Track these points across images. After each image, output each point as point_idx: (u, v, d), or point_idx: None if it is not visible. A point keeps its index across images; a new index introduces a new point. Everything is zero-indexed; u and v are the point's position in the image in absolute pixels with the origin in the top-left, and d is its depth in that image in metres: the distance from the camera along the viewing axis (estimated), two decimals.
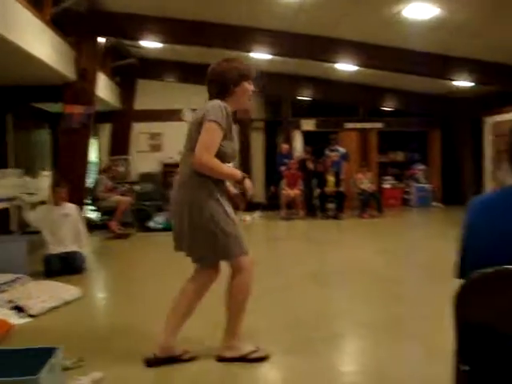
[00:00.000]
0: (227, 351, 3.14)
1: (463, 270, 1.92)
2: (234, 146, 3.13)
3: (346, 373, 3.09)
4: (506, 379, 1.64)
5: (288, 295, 4.77)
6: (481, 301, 1.59)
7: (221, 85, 3.10)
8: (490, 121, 11.86)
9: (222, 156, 2.97)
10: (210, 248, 3.01)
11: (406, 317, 4.04)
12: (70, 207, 5.98)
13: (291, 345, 3.45)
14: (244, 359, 3.12)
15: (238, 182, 3.11)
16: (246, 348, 3.16)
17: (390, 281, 5.20)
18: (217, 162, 2.92)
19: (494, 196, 1.86)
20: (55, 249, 5.70)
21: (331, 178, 10.95)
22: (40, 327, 3.92)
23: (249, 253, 3.11)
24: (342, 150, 11.51)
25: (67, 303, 4.49)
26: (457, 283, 1.76)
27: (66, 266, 5.65)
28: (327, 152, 11.43)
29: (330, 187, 10.92)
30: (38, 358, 2.44)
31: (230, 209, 3.04)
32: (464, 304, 1.61)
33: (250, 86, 3.16)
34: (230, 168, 3.13)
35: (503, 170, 8.10)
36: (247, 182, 3.13)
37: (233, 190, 3.18)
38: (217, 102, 3.00)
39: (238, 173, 3.11)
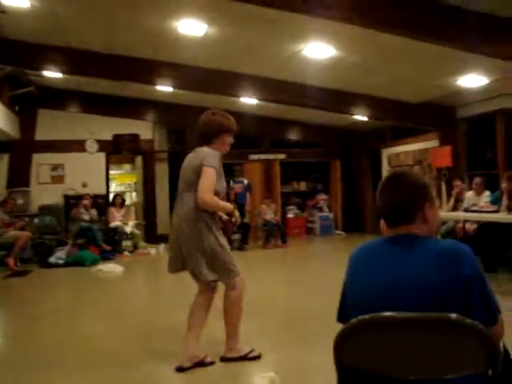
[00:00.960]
0: (229, 352, 3.81)
1: (342, 314, 2.06)
2: (223, 183, 3.79)
3: None
4: None
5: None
6: (355, 346, 1.71)
7: (205, 135, 3.76)
8: (387, 152, 12.57)
9: (216, 193, 3.61)
10: (212, 270, 3.66)
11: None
12: None
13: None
14: (243, 358, 3.80)
15: (229, 213, 3.81)
16: (244, 349, 3.84)
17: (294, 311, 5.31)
18: (215, 199, 3.59)
19: (368, 246, 2.01)
20: None
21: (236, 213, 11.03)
22: None
23: (240, 274, 3.76)
24: (245, 181, 11.74)
25: None
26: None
27: None
28: (232, 184, 11.60)
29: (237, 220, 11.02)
30: None
31: (222, 238, 3.70)
32: (342, 349, 1.72)
33: (228, 138, 3.83)
34: (224, 202, 3.77)
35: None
36: (236, 212, 3.85)
37: (224, 217, 3.80)
38: (210, 150, 3.65)
39: (230, 206, 3.83)
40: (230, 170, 12.00)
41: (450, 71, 7.91)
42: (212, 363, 3.77)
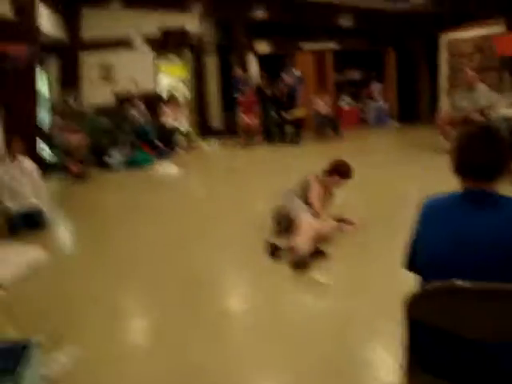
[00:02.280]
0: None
1: (409, 262, 2.06)
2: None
3: None
4: (449, 368, 1.82)
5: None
6: (427, 307, 1.73)
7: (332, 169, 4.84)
8: (445, 39, 11.83)
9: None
10: None
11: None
12: (26, 161, 5.87)
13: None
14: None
15: None
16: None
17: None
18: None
19: (441, 201, 1.95)
20: (15, 205, 5.64)
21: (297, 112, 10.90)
22: (11, 298, 3.93)
23: None
24: (297, 73, 11.42)
25: (35, 267, 4.50)
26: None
27: (28, 222, 5.63)
28: (283, 76, 11.34)
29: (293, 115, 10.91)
30: (13, 351, 2.51)
31: None
32: (413, 308, 1.74)
33: (339, 181, 4.85)
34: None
35: (459, 97, 8.20)
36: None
37: None
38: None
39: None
40: (281, 62, 11.73)
41: None
42: None
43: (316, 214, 4.63)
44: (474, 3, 9.72)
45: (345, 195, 5.28)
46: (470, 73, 7.99)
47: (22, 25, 8.03)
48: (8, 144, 5.82)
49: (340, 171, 4.81)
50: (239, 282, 4.08)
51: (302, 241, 4.24)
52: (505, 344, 1.69)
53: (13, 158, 5.78)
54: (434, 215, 1.91)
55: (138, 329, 3.40)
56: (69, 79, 11.47)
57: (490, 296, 1.60)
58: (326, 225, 4.68)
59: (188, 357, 2.93)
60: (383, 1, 11.16)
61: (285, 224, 4.70)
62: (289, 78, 11.17)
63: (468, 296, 1.62)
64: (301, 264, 4.06)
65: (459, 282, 1.60)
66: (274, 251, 4.38)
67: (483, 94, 7.83)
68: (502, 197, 1.82)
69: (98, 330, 3.34)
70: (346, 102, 13.10)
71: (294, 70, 11.50)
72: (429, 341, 1.84)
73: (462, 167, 1.87)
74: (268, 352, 2.93)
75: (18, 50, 7.99)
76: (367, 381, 2.61)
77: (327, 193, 4.91)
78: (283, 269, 4.11)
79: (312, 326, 3.21)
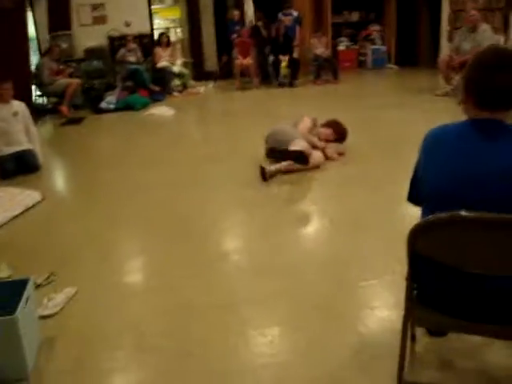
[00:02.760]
0: None
1: (414, 195, 2.02)
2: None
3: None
4: (451, 305, 1.81)
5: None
6: (431, 240, 1.70)
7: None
8: None
9: None
10: None
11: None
12: (18, 104, 5.73)
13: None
14: None
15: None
16: None
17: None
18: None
19: (447, 131, 1.89)
20: (7, 149, 5.55)
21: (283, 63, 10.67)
22: (4, 239, 3.93)
23: None
24: (295, 13, 11.12)
25: (29, 209, 4.49)
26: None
27: (20, 166, 5.56)
28: (280, 16, 11.04)
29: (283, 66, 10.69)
30: (8, 290, 2.50)
31: None
32: (417, 241, 1.72)
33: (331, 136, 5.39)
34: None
35: (459, 36, 7.99)
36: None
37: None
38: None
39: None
40: (278, 2, 11.39)
41: None
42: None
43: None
44: None
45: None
46: (473, 12, 7.76)
47: None
48: None
49: (336, 129, 5.28)
50: (233, 220, 4.06)
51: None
52: (507, 278, 1.68)
53: (4, 101, 5.64)
54: (439, 145, 1.84)
55: (130, 268, 3.39)
56: (59, 21, 11.12)
57: (495, 226, 1.56)
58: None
59: (180, 295, 2.94)
60: None
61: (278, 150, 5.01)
62: (286, 18, 10.87)
63: (473, 227, 1.58)
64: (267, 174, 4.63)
65: (464, 212, 1.56)
66: (265, 174, 4.67)
67: (486, 35, 7.60)
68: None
69: (91, 269, 3.34)
70: (343, 44, 12.80)
71: (291, 9, 11.19)
72: (431, 275, 1.81)
73: (479, 98, 1.77)
74: (263, 289, 2.94)
75: None
76: (366, 320, 2.62)
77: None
78: (278, 202, 4.13)
79: (309, 264, 3.21)
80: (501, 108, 1.77)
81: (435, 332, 2.39)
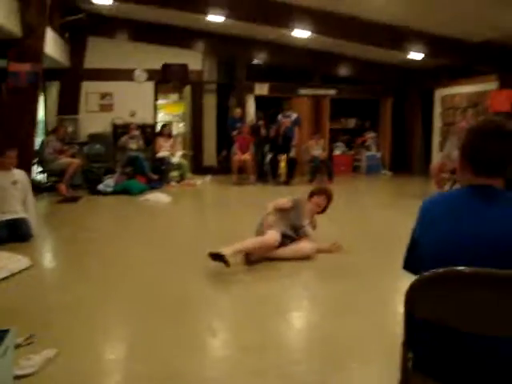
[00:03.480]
0: None
1: (410, 263, 2.02)
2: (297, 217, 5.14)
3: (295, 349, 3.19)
4: (448, 368, 1.75)
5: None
6: (428, 298, 1.67)
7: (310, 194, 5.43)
8: (440, 93, 12.10)
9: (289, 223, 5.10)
10: None
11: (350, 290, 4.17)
12: (19, 173, 5.81)
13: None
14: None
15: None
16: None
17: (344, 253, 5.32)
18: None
19: (443, 197, 1.94)
20: (2, 216, 5.54)
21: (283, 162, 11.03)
22: None
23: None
24: (294, 115, 11.59)
25: (15, 274, 4.40)
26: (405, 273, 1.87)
27: (12, 233, 5.53)
28: (280, 117, 11.49)
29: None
30: None
31: None
32: (413, 300, 1.68)
33: (318, 200, 5.32)
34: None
35: (449, 145, 8.33)
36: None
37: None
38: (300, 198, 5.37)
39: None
40: (277, 104, 11.91)
41: None
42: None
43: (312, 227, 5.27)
44: (469, 59, 9.98)
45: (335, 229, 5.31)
46: (463, 124, 8.11)
47: (29, 44, 8.11)
48: (1, 154, 5.75)
49: (320, 191, 5.37)
50: (220, 300, 3.99)
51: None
52: (506, 340, 1.63)
53: (6, 168, 5.72)
54: (434, 211, 1.88)
55: (114, 337, 3.28)
56: (68, 106, 11.57)
57: (491, 282, 1.55)
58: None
59: (167, 365, 2.83)
60: (383, 55, 11.44)
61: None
62: (286, 120, 11.30)
63: (469, 282, 1.58)
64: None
65: (460, 268, 1.56)
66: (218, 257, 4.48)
67: None
68: (509, 192, 1.80)
69: (74, 335, 3.23)
70: (339, 149, 13.22)
71: (290, 111, 11.67)
72: (428, 339, 1.77)
73: (476, 164, 1.83)
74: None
75: (21, 68, 8.04)
76: None
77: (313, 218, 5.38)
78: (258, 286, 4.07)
79: (298, 342, 3.12)
80: (496, 174, 1.82)
81: None
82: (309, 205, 5.29)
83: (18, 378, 2.64)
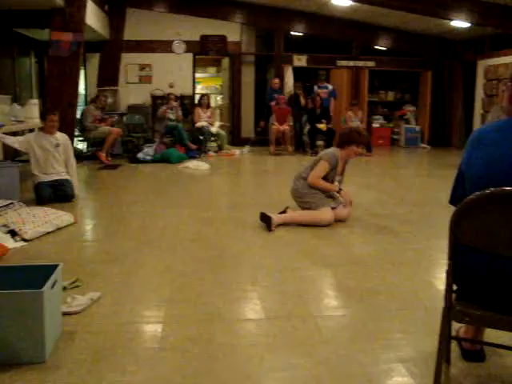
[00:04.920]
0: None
1: (455, 196, 2.00)
2: (334, 175, 4.94)
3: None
4: (493, 299, 1.74)
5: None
6: (474, 222, 1.66)
7: (340, 140, 4.96)
8: (484, 64, 11.77)
9: (327, 179, 4.89)
10: None
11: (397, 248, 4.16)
12: (62, 136, 5.94)
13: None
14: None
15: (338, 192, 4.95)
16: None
17: (383, 216, 5.29)
18: (319, 181, 4.84)
19: (488, 127, 1.93)
20: (45, 177, 5.69)
21: (322, 125, 10.94)
22: (35, 251, 3.97)
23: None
24: (330, 86, 11.49)
25: (60, 229, 4.54)
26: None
27: (56, 194, 5.69)
28: (316, 89, 11.41)
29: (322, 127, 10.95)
30: (39, 274, 2.50)
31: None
32: (458, 226, 1.67)
33: (356, 148, 4.88)
34: (328, 184, 4.88)
35: (492, 114, 8.12)
36: (342, 194, 4.94)
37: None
38: (332, 151, 4.96)
39: (334, 187, 4.92)
40: (316, 75, 11.80)
41: None
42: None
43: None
44: None
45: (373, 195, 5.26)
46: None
47: (70, 13, 8.21)
48: (46, 117, 5.89)
49: (362, 140, 4.89)
50: (260, 254, 4.02)
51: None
52: None
53: (49, 132, 5.86)
54: (483, 138, 1.88)
55: (155, 284, 3.35)
56: (108, 77, 11.69)
57: None
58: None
59: (205, 306, 2.89)
60: (425, 24, 11.17)
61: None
62: (321, 91, 11.22)
63: None
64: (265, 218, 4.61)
65: (506, 188, 1.54)
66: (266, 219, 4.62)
67: None
68: None
69: (117, 281, 3.33)
70: (378, 122, 13.03)
71: (326, 83, 11.57)
72: (473, 266, 1.76)
73: None
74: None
75: (64, 37, 8.16)
76: None
77: (345, 166, 5.14)
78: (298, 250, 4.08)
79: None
80: None
81: (471, 356, 2.28)
82: (344, 153, 4.93)
83: (64, 314, 2.74)
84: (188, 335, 2.56)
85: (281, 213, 4.89)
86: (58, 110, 6.44)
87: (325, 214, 4.75)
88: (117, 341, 2.50)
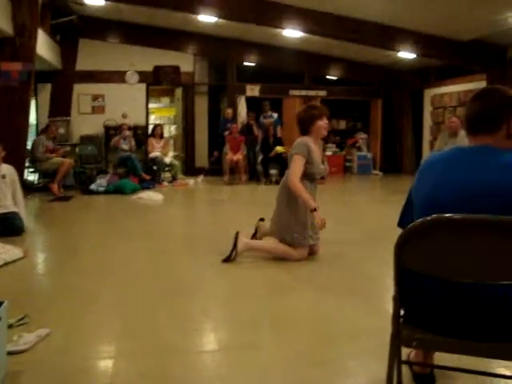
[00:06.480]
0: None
1: (404, 220, 2.06)
2: (318, 166, 4.39)
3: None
4: (440, 322, 1.78)
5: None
6: (418, 248, 1.70)
7: (301, 126, 4.45)
8: (430, 93, 12.22)
9: (310, 175, 4.35)
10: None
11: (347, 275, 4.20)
12: (7, 168, 5.79)
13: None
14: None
15: (310, 211, 4.18)
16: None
17: (338, 243, 5.34)
18: (300, 186, 4.21)
19: (441, 154, 2.00)
20: None
21: (279, 147, 11.09)
22: None
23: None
24: (274, 115, 11.71)
25: (8, 264, 4.40)
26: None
27: (4, 227, 5.51)
28: (262, 119, 11.61)
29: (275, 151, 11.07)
30: None
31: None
32: (403, 251, 1.71)
33: (322, 122, 4.39)
34: (308, 196, 4.19)
35: (440, 140, 8.42)
36: (315, 214, 4.13)
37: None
38: (300, 141, 4.35)
39: (312, 203, 4.13)
40: (272, 104, 12.01)
41: (504, 4, 7.56)
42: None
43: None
44: (459, 59, 10.09)
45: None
46: (454, 119, 8.18)
47: (21, 43, 8.12)
48: None
49: (321, 113, 4.42)
50: (213, 283, 4.00)
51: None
52: (500, 287, 1.67)
53: None
54: (432, 166, 1.95)
55: (107, 317, 3.28)
56: (59, 108, 11.56)
57: (480, 228, 1.58)
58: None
59: (156, 337, 2.84)
60: (373, 55, 11.54)
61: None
62: (267, 120, 11.45)
63: (458, 229, 1.61)
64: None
65: (449, 215, 1.59)
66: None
67: (466, 140, 7.97)
68: (502, 149, 1.85)
69: (66, 316, 3.23)
70: (331, 150, 13.28)
71: (271, 112, 11.81)
72: (419, 290, 1.80)
73: (467, 124, 1.98)
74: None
75: (13, 67, 8.05)
76: None
77: (318, 144, 4.60)
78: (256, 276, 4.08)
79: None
80: (489, 132, 1.88)
81: (422, 379, 2.31)
82: (312, 136, 4.42)
83: (10, 353, 2.64)
84: (140, 370, 2.50)
85: (254, 234, 4.89)
86: (8, 140, 6.31)
87: (300, 253, 4.45)
88: (66, 379, 2.42)
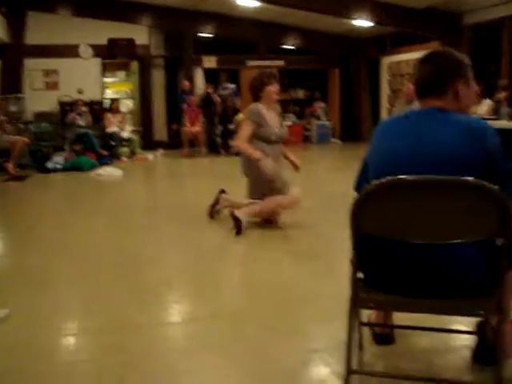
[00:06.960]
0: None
1: (359, 184, 2.09)
2: (272, 129, 4.43)
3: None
4: (395, 283, 1.83)
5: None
6: (373, 211, 1.73)
7: (253, 92, 4.53)
8: (387, 61, 12.31)
9: (265, 138, 4.42)
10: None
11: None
12: None
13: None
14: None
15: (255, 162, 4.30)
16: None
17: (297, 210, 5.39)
18: (245, 145, 4.40)
19: (394, 120, 2.04)
20: None
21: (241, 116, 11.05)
22: None
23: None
24: (232, 86, 11.61)
25: None
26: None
27: None
28: (220, 90, 11.52)
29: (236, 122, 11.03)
30: None
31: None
32: (358, 215, 1.74)
33: (272, 88, 4.46)
34: (252, 151, 4.33)
35: (398, 108, 8.54)
36: (261, 164, 4.26)
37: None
38: (250, 106, 4.50)
39: (255, 155, 4.29)
40: (230, 75, 11.91)
41: None
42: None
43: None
44: (413, 27, 10.18)
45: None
46: (410, 86, 8.27)
47: None
48: None
49: (269, 77, 4.49)
50: (173, 257, 4.01)
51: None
52: (448, 247, 1.72)
53: None
54: (387, 130, 1.99)
55: (67, 296, 3.25)
56: (10, 84, 11.17)
57: (433, 188, 1.63)
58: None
59: (117, 314, 2.84)
60: (329, 24, 11.53)
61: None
62: (225, 91, 11.35)
63: (411, 191, 1.65)
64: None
65: (402, 176, 1.63)
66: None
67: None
68: (449, 111, 1.89)
69: (24, 299, 3.17)
70: (290, 120, 13.29)
71: (227, 83, 11.71)
72: (375, 253, 1.84)
73: (416, 87, 1.99)
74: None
75: None
76: None
77: (272, 109, 4.61)
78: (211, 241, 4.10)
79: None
80: (434, 94, 1.92)
81: (382, 339, 2.38)
82: (264, 102, 4.49)
83: None
84: (103, 345, 2.50)
85: (213, 205, 4.87)
86: None
87: (290, 197, 4.54)
88: (29, 357, 2.40)
